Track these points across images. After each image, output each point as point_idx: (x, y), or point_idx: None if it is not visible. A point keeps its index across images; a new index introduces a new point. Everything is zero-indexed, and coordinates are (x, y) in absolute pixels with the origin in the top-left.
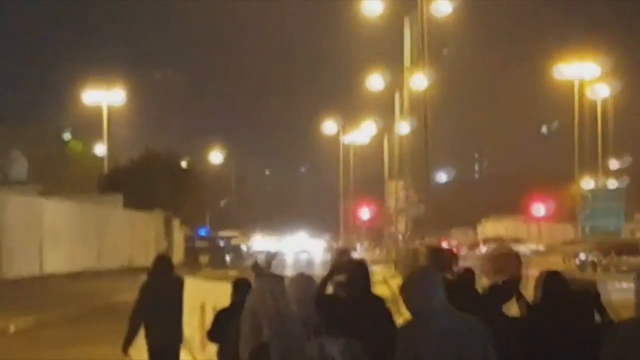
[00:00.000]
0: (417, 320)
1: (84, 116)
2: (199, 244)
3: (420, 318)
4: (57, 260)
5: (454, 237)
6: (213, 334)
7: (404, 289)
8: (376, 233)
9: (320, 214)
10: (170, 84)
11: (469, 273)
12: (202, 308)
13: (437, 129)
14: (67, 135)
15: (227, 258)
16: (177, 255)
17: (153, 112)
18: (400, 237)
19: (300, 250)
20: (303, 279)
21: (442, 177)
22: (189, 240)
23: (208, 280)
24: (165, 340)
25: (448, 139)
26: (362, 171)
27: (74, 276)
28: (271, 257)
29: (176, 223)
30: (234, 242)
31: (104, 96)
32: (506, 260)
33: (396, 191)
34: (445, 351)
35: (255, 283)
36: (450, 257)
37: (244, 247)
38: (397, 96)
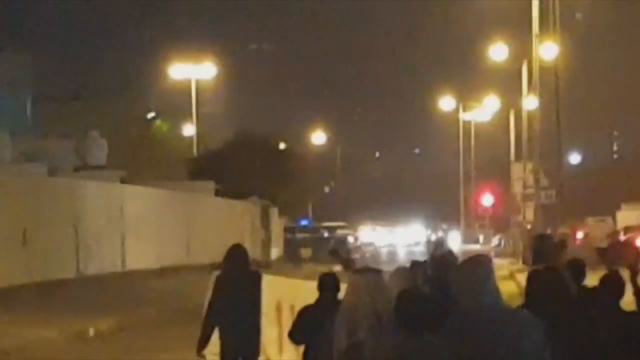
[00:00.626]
0: (466, 317)
1: (171, 94)
2: (301, 235)
3: (470, 315)
4: (141, 255)
5: (590, 226)
6: (296, 335)
7: (452, 283)
8: (501, 222)
9: (437, 201)
10: (267, 58)
11: (578, 263)
12: (278, 307)
13: (569, 104)
14: (151, 115)
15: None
16: (277, 249)
17: (247, 88)
18: (528, 226)
19: (414, 242)
20: (403, 272)
21: (575, 158)
22: (289, 231)
23: (286, 276)
24: (241, 345)
25: (581, 115)
26: (485, 152)
27: (160, 273)
28: (437, 244)
29: (274, 212)
30: (339, 233)
31: (193, 70)
32: (621, 250)
33: (524, 174)
34: (494, 349)
35: (350, 279)
36: (557, 245)
37: (351, 239)
38: (524, 67)
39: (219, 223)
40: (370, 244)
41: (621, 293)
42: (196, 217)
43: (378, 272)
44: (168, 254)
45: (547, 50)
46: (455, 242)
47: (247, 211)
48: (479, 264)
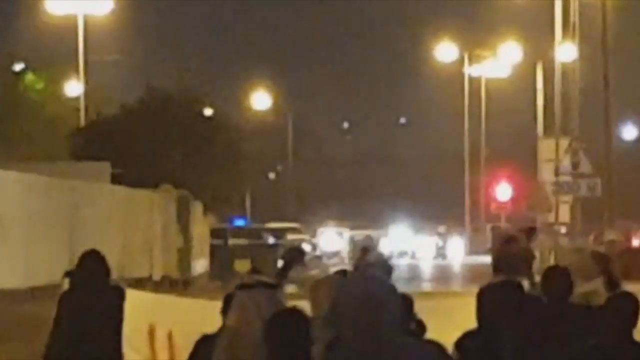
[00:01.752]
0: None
1: (48, 37)
2: (235, 241)
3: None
4: (6, 268)
5: None
6: None
7: (330, 309)
8: (524, 224)
9: (432, 193)
10: None
11: (561, 273)
12: (151, 333)
13: (621, 55)
14: (20, 67)
15: (280, 264)
16: (200, 260)
17: (159, 30)
18: (562, 230)
19: (398, 252)
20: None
21: (630, 131)
22: (217, 235)
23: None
24: None
25: (638, 72)
26: (500, 123)
27: (30, 295)
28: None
29: (197, 208)
30: (290, 238)
31: (80, 2)
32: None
33: (556, 156)
34: None
35: (236, 297)
36: (526, 255)
37: (307, 247)
38: (557, 3)
39: (116, 223)
40: (335, 255)
41: (634, 319)
42: (84, 214)
43: (272, 287)
44: (42, 268)
45: None
46: (456, 252)
47: (158, 206)
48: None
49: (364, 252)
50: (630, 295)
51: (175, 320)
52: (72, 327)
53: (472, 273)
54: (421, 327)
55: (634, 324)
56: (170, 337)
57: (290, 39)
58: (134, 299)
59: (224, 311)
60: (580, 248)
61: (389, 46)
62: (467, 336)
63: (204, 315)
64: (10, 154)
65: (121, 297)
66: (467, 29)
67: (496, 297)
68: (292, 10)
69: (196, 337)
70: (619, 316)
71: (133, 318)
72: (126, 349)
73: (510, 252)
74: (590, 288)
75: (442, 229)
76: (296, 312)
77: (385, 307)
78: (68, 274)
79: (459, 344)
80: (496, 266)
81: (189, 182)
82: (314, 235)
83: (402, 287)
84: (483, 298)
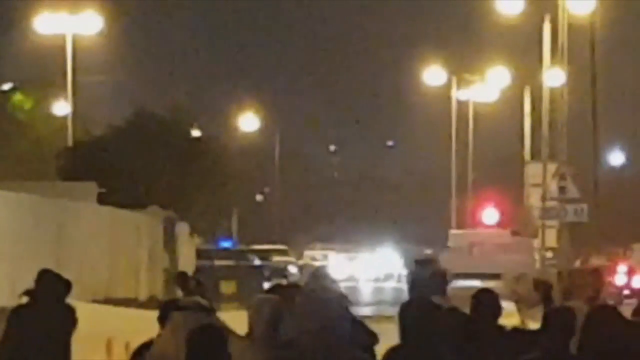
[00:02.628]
0: None
1: (37, 56)
2: (221, 262)
3: None
4: None
5: (638, 255)
6: None
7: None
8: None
9: (418, 216)
10: (177, 6)
11: (484, 296)
12: (108, 346)
13: (609, 79)
14: (8, 86)
15: (266, 286)
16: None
17: (147, 50)
18: (548, 254)
19: (384, 275)
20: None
21: (617, 157)
22: (204, 256)
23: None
24: None
25: (626, 96)
26: (488, 146)
27: None
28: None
29: (184, 229)
30: (276, 260)
31: (69, 22)
32: (581, 278)
33: (544, 180)
34: None
35: (170, 319)
36: (441, 276)
37: (293, 269)
38: (546, 25)
39: (102, 243)
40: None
41: (571, 332)
42: (70, 233)
43: (208, 311)
44: (28, 286)
45: (579, 4)
46: None
47: (144, 226)
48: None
49: (314, 277)
50: (566, 309)
51: (133, 331)
52: (18, 344)
53: (457, 297)
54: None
55: (571, 337)
56: (127, 348)
57: (278, 61)
58: (90, 312)
59: (161, 319)
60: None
61: (376, 69)
62: (392, 351)
63: (153, 323)
64: None
65: (70, 315)
66: (455, 53)
67: (413, 314)
68: (281, 33)
69: None
70: (555, 331)
71: (90, 332)
72: None
73: (425, 273)
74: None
75: (429, 252)
76: (212, 329)
77: (336, 326)
78: (27, 292)
79: (385, 357)
80: (411, 287)
81: (175, 203)
82: (300, 257)
83: (388, 311)
84: (401, 315)
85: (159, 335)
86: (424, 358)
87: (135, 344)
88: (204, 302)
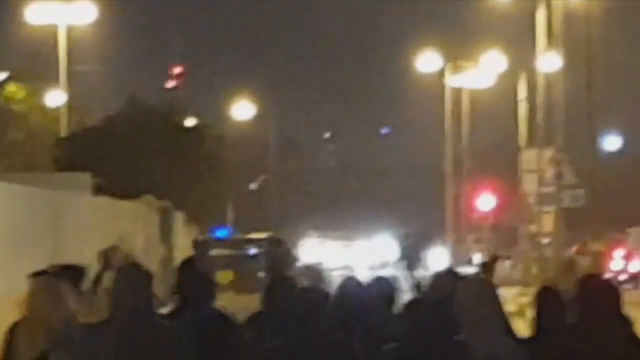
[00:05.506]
0: None
1: (30, 47)
2: (216, 252)
3: None
4: None
5: (634, 241)
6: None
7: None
8: (506, 234)
9: (413, 203)
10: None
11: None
12: None
13: (605, 65)
14: (1, 77)
15: (262, 275)
16: None
17: (142, 39)
18: (545, 241)
19: (381, 263)
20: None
21: (613, 142)
22: (199, 246)
23: None
24: None
25: (622, 81)
26: (483, 133)
27: (12, 306)
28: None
29: (179, 218)
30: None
31: (62, 11)
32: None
33: (539, 166)
34: None
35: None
36: (290, 255)
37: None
38: (540, 10)
39: (98, 233)
40: (317, 266)
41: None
42: (65, 224)
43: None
44: (24, 278)
45: None
46: (439, 263)
47: (140, 217)
48: None
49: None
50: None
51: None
52: None
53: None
54: None
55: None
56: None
57: (272, 49)
58: None
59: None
60: (565, 258)
61: (370, 57)
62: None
63: None
64: None
65: None
66: (449, 39)
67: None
68: (275, 21)
69: None
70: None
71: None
72: None
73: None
74: None
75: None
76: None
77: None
78: None
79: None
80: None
81: (171, 192)
82: (296, 245)
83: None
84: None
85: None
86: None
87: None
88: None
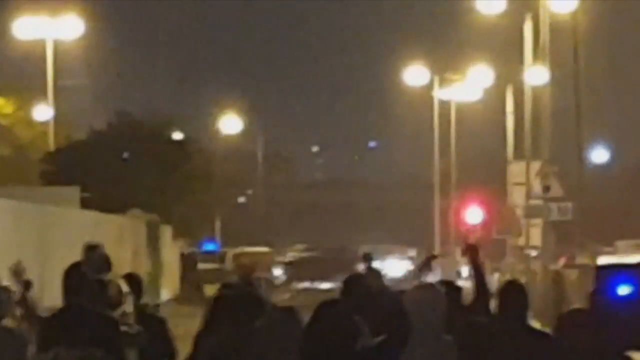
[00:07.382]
0: None
1: (17, 61)
2: (204, 265)
3: None
4: None
5: (621, 255)
6: None
7: None
8: (494, 247)
9: (402, 216)
10: (158, 11)
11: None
12: None
13: (593, 78)
14: None
15: None
16: (170, 284)
17: (129, 54)
18: (532, 253)
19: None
20: None
21: (601, 155)
22: (187, 260)
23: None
24: None
25: (610, 95)
26: (470, 146)
27: None
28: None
29: (166, 232)
30: None
31: (49, 26)
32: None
33: (527, 179)
34: None
35: None
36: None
37: (278, 271)
38: (527, 24)
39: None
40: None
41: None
42: (53, 239)
43: None
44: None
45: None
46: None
47: (127, 230)
48: None
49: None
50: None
51: None
52: None
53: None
54: None
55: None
56: None
57: (260, 63)
58: None
59: None
60: (553, 271)
61: (358, 70)
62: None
63: None
64: None
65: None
66: (437, 53)
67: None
68: (263, 37)
69: None
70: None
71: None
72: None
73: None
74: None
75: (412, 252)
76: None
77: None
78: None
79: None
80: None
81: (158, 206)
82: (284, 258)
83: None
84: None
85: None
86: None
87: None
88: None
